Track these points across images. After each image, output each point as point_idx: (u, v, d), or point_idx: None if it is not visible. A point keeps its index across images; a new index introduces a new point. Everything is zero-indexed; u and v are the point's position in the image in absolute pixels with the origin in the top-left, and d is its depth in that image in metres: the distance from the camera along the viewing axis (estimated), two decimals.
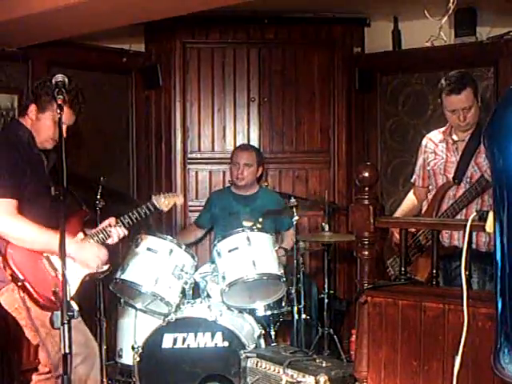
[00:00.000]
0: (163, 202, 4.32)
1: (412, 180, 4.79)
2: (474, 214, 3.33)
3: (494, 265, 2.22)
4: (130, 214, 4.05)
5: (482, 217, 3.22)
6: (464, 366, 3.30)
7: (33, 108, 3.66)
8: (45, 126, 3.65)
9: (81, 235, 3.80)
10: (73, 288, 3.59)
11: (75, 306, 3.39)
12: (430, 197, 4.58)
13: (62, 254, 2.71)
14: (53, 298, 3.13)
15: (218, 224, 5.58)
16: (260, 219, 5.10)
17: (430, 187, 4.61)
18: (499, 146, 2.14)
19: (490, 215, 3.10)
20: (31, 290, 3.43)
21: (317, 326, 5.18)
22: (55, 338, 3.38)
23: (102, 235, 3.86)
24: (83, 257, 3.66)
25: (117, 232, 3.91)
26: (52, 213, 3.50)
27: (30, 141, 3.66)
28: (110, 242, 3.90)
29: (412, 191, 4.83)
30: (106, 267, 3.80)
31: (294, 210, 4.93)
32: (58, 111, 3.03)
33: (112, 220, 3.93)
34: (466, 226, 3.31)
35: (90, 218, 3.99)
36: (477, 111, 4.36)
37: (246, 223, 5.15)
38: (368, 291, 3.75)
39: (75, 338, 2.83)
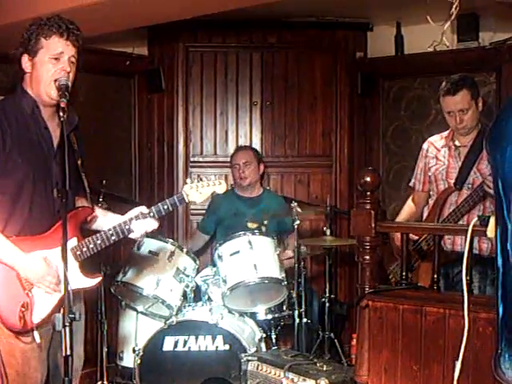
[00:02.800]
0: (196, 193, 3.44)
1: (411, 184, 4.77)
2: (476, 219, 3.33)
3: (496, 270, 2.23)
4: (161, 204, 3.38)
5: (484, 222, 3.22)
6: (464, 371, 3.31)
7: (25, 58, 3.15)
8: (41, 68, 3.09)
9: (73, 242, 3.17)
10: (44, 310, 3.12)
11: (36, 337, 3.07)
12: (431, 202, 4.57)
13: (64, 255, 2.70)
14: (19, 317, 3.02)
15: (221, 225, 5.55)
16: (265, 221, 5.10)
17: (431, 193, 4.60)
18: (501, 151, 2.14)
19: (492, 220, 3.11)
20: None
21: (318, 329, 5.18)
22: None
23: (117, 232, 3.25)
24: (28, 275, 3.07)
25: (145, 224, 3.31)
26: (46, 206, 3.12)
27: (34, 111, 3.14)
28: (133, 236, 3.34)
29: (411, 198, 4.81)
30: (94, 281, 3.27)
31: (296, 214, 4.93)
32: (61, 114, 2.87)
33: (143, 208, 3.33)
34: (467, 231, 3.32)
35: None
36: (475, 115, 4.35)
37: (251, 225, 5.15)
38: (369, 295, 3.75)
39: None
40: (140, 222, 3.29)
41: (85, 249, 3.19)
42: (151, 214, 3.31)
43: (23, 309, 3.04)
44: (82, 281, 3.19)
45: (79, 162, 3.25)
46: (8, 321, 3.04)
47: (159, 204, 3.34)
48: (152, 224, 3.34)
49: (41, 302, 3.09)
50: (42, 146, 3.12)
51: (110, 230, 3.24)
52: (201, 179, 3.44)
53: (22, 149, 3.07)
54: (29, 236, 3.09)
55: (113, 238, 3.24)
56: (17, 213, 3.08)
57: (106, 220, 3.37)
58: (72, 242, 3.15)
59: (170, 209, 3.36)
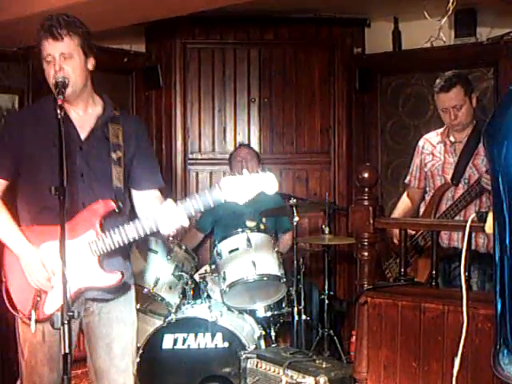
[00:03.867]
0: (237, 191, 2.92)
1: (406, 181, 4.78)
2: (473, 215, 3.33)
3: (494, 266, 2.22)
4: (190, 201, 3.02)
5: (482, 218, 3.22)
6: (463, 367, 3.31)
7: None
8: (45, 72, 3.11)
9: (91, 234, 3.07)
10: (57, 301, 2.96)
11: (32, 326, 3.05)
12: (427, 198, 4.58)
13: (63, 253, 2.69)
14: (32, 304, 3.05)
15: (219, 224, 5.55)
16: (264, 219, 5.09)
17: (427, 189, 4.61)
18: (499, 146, 2.14)
19: (490, 216, 3.10)
20: (9, 294, 3.12)
21: (317, 327, 5.18)
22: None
23: (137, 229, 3.03)
24: (24, 268, 3.09)
25: (173, 219, 3.00)
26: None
27: (52, 110, 2.98)
28: (164, 231, 3.04)
29: (406, 193, 4.82)
30: (113, 279, 3.09)
31: (295, 210, 4.93)
32: (58, 111, 2.84)
33: (170, 202, 3.04)
34: (465, 226, 3.32)
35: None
36: (469, 111, 4.36)
37: (250, 223, 5.15)
38: (368, 292, 3.75)
39: None
40: (168, 218, 3.01)
41: (101, 244, 3.06)
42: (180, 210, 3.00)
43: (37, 297, 3.06)
44: (99, 278, 3.09)
45: (115, 155, 3.18)
46: (19, 305, 3.09)
47: (188, 200, 3.02)
48: (182, 221, 3.02)
49: (54, 294, 3.06)
50: (69, 143, 2.98)
51: (129, 225, 3.05)
52: (244, 173, 2.94)
53: (46, 144, 3.10)
54: (46, 226, 3.09)
55: (132, 234, 3.05)
56: (35, 202, 3.14)
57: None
58: (89, 236, 3.07)
59: (202, 208, 3.02)
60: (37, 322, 3.07)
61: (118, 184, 3.18)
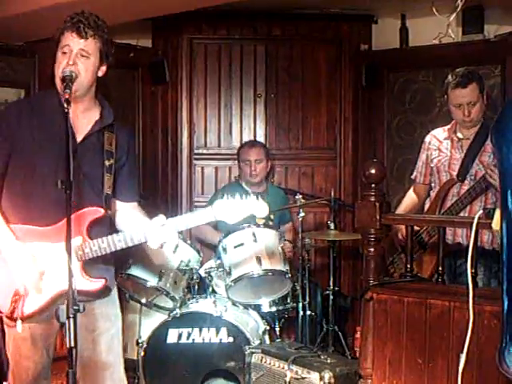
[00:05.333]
0: (228, 212, 3.11)
1: (412, 176, 4.78)
2: (481, 211, 3.33)
3: (501, 263, 2.22)
4: (183, 218, 3.14)
5: (489, 214, 3.22)
6: (469, 364, 3.31)
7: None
8: (56, 62, 3.09)
9: (78, 240, 3.04)
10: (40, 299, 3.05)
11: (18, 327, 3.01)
12: (432, 194, 4.58)
13: (68, 249, 2.69)
14: (10, 302, 3.01)
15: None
16: (271, 216, 5.09)
17: (433, 184, 4.61)
18: (507, 143, 2.14)
19: (497, 213, 3.10)
20: None
21: (321, 322, 5.18)
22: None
23: (125, 239, 3.08)
24: (11, 263, 3.03)
25: (163, 235, 3.08)
26: (54, 201, 3.01)
27: (55, 105, 3.07)
28: (152, 245, 3.11)
29: (412, 189, 4.82)
30: (94, 285, 3.10)
31: (300, 205, 4.93)
32: (65, 105, 2.83)
33: (162, 218, 3.11)
34: (472, 223, 3.31)
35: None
36: (481, 108, 4.37)
37: (259, 220, 5.14)
38: (373, 288, 3.75)
39: None
40: (158, 232, 3.08)
41: (87, 250, 3.06)
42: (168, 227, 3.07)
43: (16, 296, 3.03)
44: (81, 282, 3.06)
45: (107, 163, 3.19)
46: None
47: (180, 217, 3.13)
48: (171, 236, 3.10)
49: (35, 294, 3.05)
50: (64, 139, 2.94)
51: (118, 235, 3.09)
52: (236, 190, 3.22)
53: (41, 140, 3.08)
54: (36, 225, 3.08)
55: (120, 244, 3.08)
56: (27, 201, 3.09)
57: (130, 226, 3.21)
58: (76, 241, 3.05)
59: (191, 227, 3.21)
60: (14, 318, 3.04)
61: (108, 191, 3.19)
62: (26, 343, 3.13)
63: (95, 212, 3.13)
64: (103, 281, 3.13)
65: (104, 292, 3.22)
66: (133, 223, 3.23)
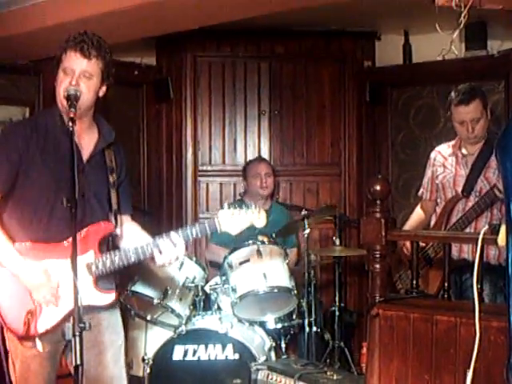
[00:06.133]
0: (231, 222, 3.25)
1: (419, 193, 4.79)
2: (486, 227, 3.32)
3: (507, 279, 2.22)
4: (189, 229, 3.21)
5: (495, 230, 3.21)
6: (476, 380, 3.28)
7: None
8: (57, 81, 3.11)
9: (90, 255, 3.13)
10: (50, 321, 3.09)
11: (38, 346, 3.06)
12: (438, 210, 4.58)
13: (74, 265, 2.70)
14: (24, 323, 3.03)
15: (231, 236, 5.48)
16: (273, 235, 5.09)
17: (439, 200, 4.62)
18: (511, 159, 2.14)
19: (503, 228, 3.10)
20: (2, 317, 3.09)
21: (327, 338, 5.17)
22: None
23: (137, 253, 3.15)
24: (25, 283, 3.06)
25: (172, 250, 3.17)
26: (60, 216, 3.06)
27: (58, 124, 3.14)
28: (160, 261, 3.20)
29: (419, 205, 4.83)
30: (107, 299, 3.17)
31: (306, 222, 4.93)
32: (70, 124, 2.87)
33: (175, 237, 3.19)
34: (477, 239, 3.31)
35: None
36: (485, 124, 4.37)
37: (261, 238, 5.14)
38: (379, 304, 3.74)
39: None
40: (167, 247, 3.16)
41: (100, 265, 3.12)
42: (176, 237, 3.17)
43: (29, 316, 3.05)
44: (95, 297, 3.14)
45: (111, 179, 3.26)
46: (12, 325, 3.07)
47: (187, 228, 3.21)
48: (180, 249, 3.19)
49: (48, 312, 3.08)
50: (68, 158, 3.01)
51: (130, 249, 3.16)
52: (240, 206, 3.26)
53: (47, 159, 3.11)
54: (45, 243, 3.11)
55: (132, 258, 3.16)
56: (36, 220, 3.12)
57: (134, 239, 3.32)
58: (89, 256, 3.12)
59: (199, 235, 3.25)
60: (30, 338, 3.06)
61: (116, 206, 3.27)
62: (35, 361, 3.13)
63: (107, 227, 3.22)
64: (115, 294, 3.21)
65: (115, 303, 3.27)
66: (137, 236, 3.35)
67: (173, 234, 3.19)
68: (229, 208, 3.24)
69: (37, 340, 3.06)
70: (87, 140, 3.22)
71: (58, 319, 3.09)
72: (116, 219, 3.26)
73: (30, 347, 3.09)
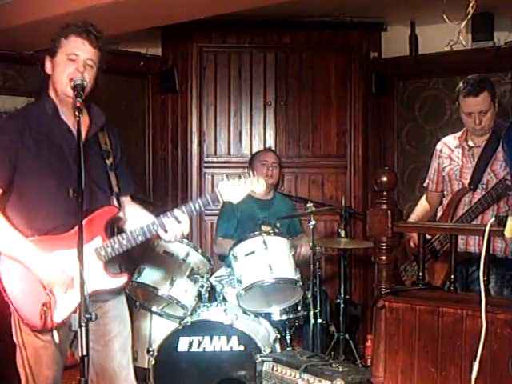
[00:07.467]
0: (232, 192, 3.26)
1: (425, 184, 4.77)
2: (493, 219, 3.31)
3: None
4: (192, 203, 3.23)
5: (501, 222, 3.20)
6: (482, 372, 3.28)
7: (47, 60, 3.15)
8: (58, 68, 3.09)
9: (98, 240, 3.13)
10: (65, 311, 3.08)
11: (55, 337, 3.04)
12: (445, 202, 4.56)
13: (80, 255, 2.69)
14: (40, 316, 3.02)
15: (237, 228, 5.50)
16: (278, 224, 5.08)
17: (445, 193, 4.60)
18: None
19: (510, 220, 3.09)
20: (18, 312, 3.06)
21: (332, 330, 5.16)
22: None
23: (144, 232, 3.16)
24: (40, 276, 3.03)
25: (177, 226, 3.19)
26: (65, 206, 3.07)
27: (56, 114, 3.14)
28: (166, 238, 3.23)
29: (424, 196, 4.81)
30: (120, 281, 3.21)
31: (311, 215, 4.92)
32: (77, 113, 2.87)
33: (179, 214, 3.21)
34: (484, 231, 3.30)
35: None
36: (493, 116, 4.33)
37: (265, 228, 5.14)
38: (385, 296, 3.74)
39: None
40: (172, 224, 3.19)
41: (109, 249, 3.14)
42: (180, 212, 3.19)
43: (45, 308, 3.03)
44: (107, 281, 3.16)
45: (108, 162, 3.25)
46: (29, 319, 3.05)
47: (190, 203, 3.24)
48: (185, 225, 3.21)
49: (63, 302, 3.08)
50: (63, 147, 3.12)
51: (136, 229, 3.17)
52: (239, 176, 3.29)
53: (42, 150, 3.09)
54: (52, 235, 3.10)
55: (139, 238, 3.17)
56: (40, 212, 3.10)
57: (138, 220, 3.32)
58: (96, 242, 3.13)
59: (202, 208, 3.26)
60: (46, 329, 3.06)
61: (116, 189, 3.27)
62: (46, 352, 3.13)
63: (111, 211, 3.23)
64: (127, 276, 3.24)
65: (126, 286, 3.35)
66: (140, 216, 3.36)
67: (176, 211, 3.21)
68: (228, 179, 3.28)
69: (54, 332, 3.05)
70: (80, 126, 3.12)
71: (73, 308, 3.06)
72: (119, 202, 3.27)
73: (46, 340, 3.09)
